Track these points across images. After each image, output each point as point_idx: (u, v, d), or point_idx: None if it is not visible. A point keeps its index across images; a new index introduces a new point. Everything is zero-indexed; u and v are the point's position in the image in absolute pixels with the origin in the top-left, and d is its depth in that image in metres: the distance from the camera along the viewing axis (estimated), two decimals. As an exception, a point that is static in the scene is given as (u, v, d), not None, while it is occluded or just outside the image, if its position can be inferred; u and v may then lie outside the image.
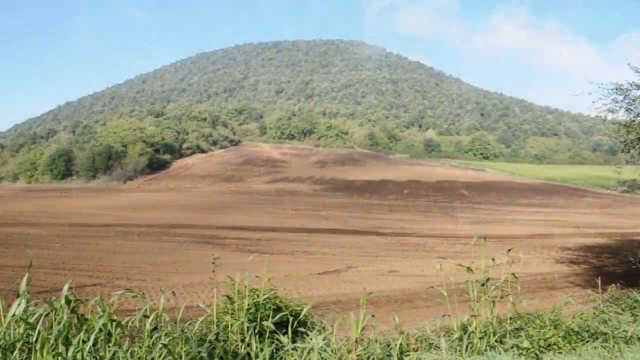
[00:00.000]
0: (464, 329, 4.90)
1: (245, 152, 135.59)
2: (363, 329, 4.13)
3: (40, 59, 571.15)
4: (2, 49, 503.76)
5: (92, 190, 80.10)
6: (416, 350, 4.48)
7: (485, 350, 4.65)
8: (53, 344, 3.47)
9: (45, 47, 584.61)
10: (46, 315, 3.66)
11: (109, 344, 3.64)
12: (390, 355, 4.33)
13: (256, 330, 4.43)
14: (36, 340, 3.45)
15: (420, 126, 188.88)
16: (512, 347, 4.77)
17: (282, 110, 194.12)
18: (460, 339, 4.79)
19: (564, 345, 4.79)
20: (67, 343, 3.53)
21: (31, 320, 3.50)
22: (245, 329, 4.30)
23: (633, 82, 16.24)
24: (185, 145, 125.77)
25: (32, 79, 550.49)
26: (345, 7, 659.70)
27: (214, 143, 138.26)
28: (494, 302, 5.07)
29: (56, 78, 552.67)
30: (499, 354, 4.59)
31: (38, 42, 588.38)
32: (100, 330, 3.57)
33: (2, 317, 3.52)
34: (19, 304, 3.46)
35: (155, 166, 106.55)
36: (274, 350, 4.29)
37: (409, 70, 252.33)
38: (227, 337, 4.35)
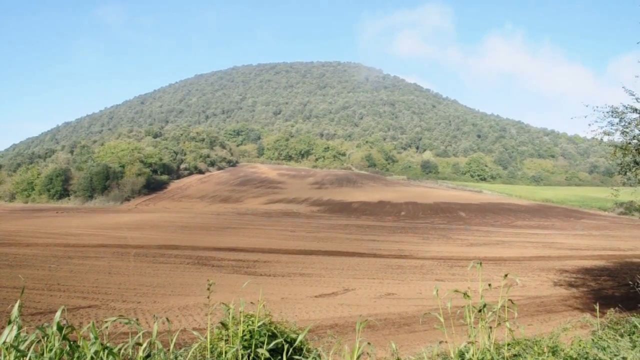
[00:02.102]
0: (461, 355, 4.85)
1: (243, 172, 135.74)
2: (359, 357, 4.08)
3: (40, 79, 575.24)
4: (2, 69, 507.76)
5: (88, 210, 79.83)
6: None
7: (483, 378, 4.59)
8: (44, 372, 3.42)
9: (45, 68, 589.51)
10: (38, 341, 3.61)
11: (101, 372, 3.59)
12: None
13: (251, 358, 4.37)
14: (27, 368, 3.40)
15: (417, 148, 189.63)
16: (510, 375, 4.72)
17: (280, 131, 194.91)
18: (458, 366, 4.73)
19: (563, 373, 4.74)
20: (58, 371, 3.48)
21: (22, 347, 3.45)
22: (240, 356, 4.25)
23: (628, 105, 16.38)
24: (182, 166, 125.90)
25: (31, 99, 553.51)
26: (343, 30, 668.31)
27: (212, 164, 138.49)
28: (491, 327, 5.02)
29: (55, 98, 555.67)
30: (497, 381, 4.53)
31: (38, 63, 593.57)
32: (92, 358, 3.52)
33: (-7, 344, 3.46)
34: (10, 331, 3.41)
35: (152, 186, 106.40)
36: (269, 378, 4.23)
37: (407, 92, 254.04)
38: (221, 364, 4.29)
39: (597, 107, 16.96)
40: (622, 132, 16.74)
